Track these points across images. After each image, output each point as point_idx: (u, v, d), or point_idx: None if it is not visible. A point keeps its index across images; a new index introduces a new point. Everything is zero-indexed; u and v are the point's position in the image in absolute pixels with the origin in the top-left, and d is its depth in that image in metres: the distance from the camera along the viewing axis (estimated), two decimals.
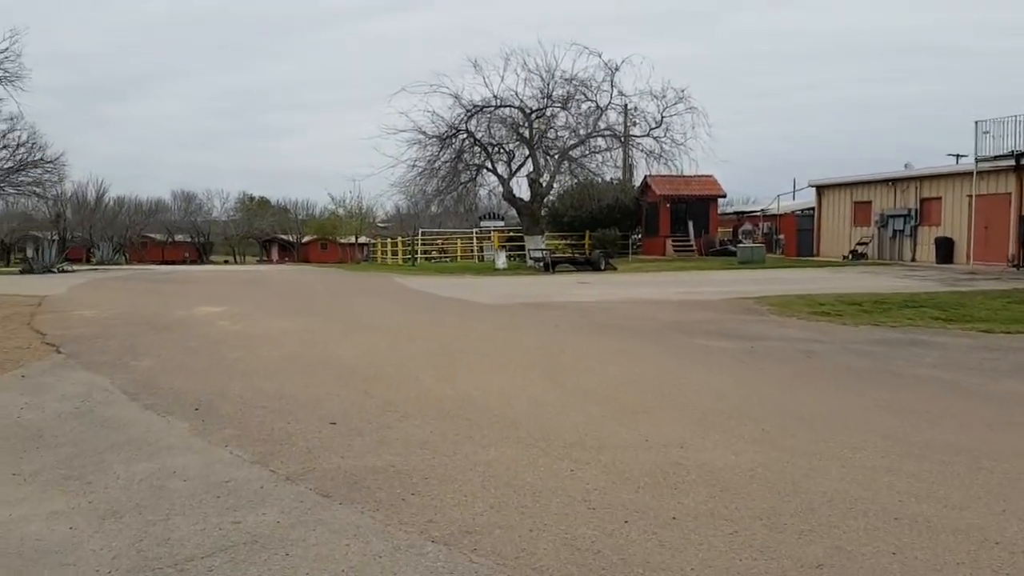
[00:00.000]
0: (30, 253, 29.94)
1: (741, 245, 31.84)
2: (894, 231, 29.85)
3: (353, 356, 8.72)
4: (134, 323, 11.40)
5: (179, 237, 74.76)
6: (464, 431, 5.55)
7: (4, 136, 28.61)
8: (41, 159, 29.92)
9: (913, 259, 28.74)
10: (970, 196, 26.11)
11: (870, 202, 31.45)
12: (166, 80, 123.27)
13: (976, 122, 22.86)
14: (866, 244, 30.75)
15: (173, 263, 62.15)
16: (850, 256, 30.61)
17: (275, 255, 73.07)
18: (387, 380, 7.32)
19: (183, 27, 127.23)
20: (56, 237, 56.63)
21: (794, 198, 44.51)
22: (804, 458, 5.08)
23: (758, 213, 41.84)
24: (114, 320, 11.76)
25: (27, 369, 7.72)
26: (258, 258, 76.05)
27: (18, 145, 29.06)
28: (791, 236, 35.70)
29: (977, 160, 23.33)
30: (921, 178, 29.32)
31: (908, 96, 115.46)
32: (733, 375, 7.86)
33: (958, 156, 37.33)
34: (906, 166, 31.80)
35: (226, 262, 69.79)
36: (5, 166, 29.15)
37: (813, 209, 35.63)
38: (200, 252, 74.18)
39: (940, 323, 11.92)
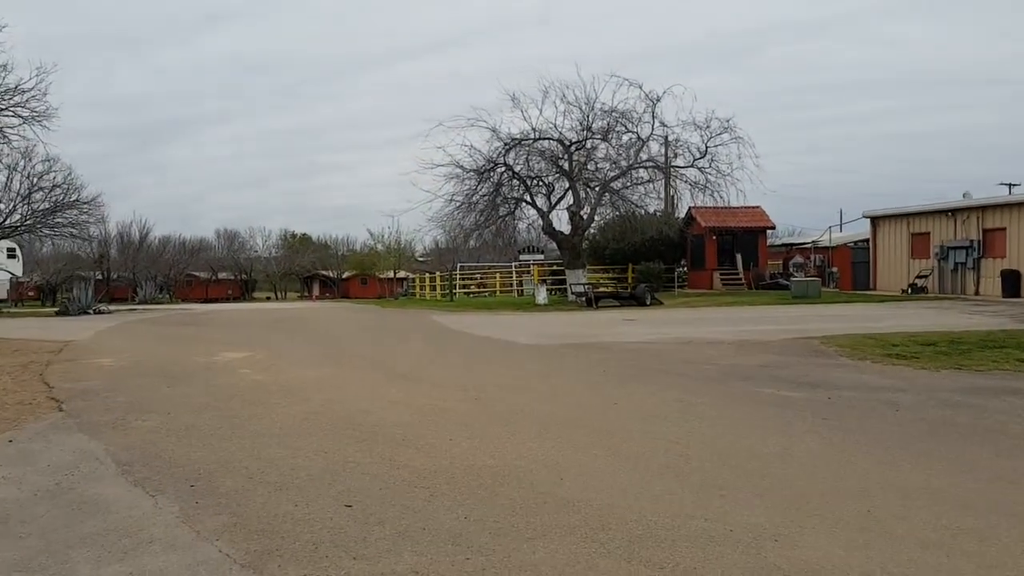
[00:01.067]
0: (76, 293, 29.76)
1: (795, 279, 30.49)
2: (955, 264, 28.34)
3: (380, 413, 7.81)
4: (149, 373, 10.65)
5: (222, 275, 75.33)
6: (506, 517, 4.59)
7: (40, 178, 28.62)
8: (77, 200, 29.88)
9: (977, 293, 27.19)
10: None
11: (928, 233, 29.99)
12: (212, 123, 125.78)
13: None
14: (926, 277, 29.27)
15: (216, 300, 62.43)
16: (909, 290, 29.14)
17: (316, 291, 73.16)
18: (416, 444, 6.39)
19: (228, 72, 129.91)
20: (99, 277, 57.25)
21: (841, 229, 43.13)
22: (927, 552, 4.05)
23: (808, 245, 40.42)
24: (129, 370, 11.04)
25: (19, 431, 6.94)
26: (299, 294, 76.23)
27: (53, 186, 29.05)
28: (845, 269, 34.26)
29: None
30: (983, 208, 27.87)
31: (957, 125, 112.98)
32: (816, 436, 6.79)
33: (1011, 185, 35.75)
34: (964, 195, 30.38)
35: (268, 299, 70.00)
36: (41, 207, 29.13)
37: (866, 241, 34.21)
38: (243, 289, 74.62)
39: None
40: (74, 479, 5.44)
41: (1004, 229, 26.73)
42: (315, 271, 75.09)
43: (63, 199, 29.37)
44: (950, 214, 28.96)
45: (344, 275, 73.67)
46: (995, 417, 7.69)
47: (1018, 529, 4.38)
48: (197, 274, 74.32)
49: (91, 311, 27.50)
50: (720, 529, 4.39)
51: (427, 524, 4.46)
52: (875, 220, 32.92)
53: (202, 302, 55.60)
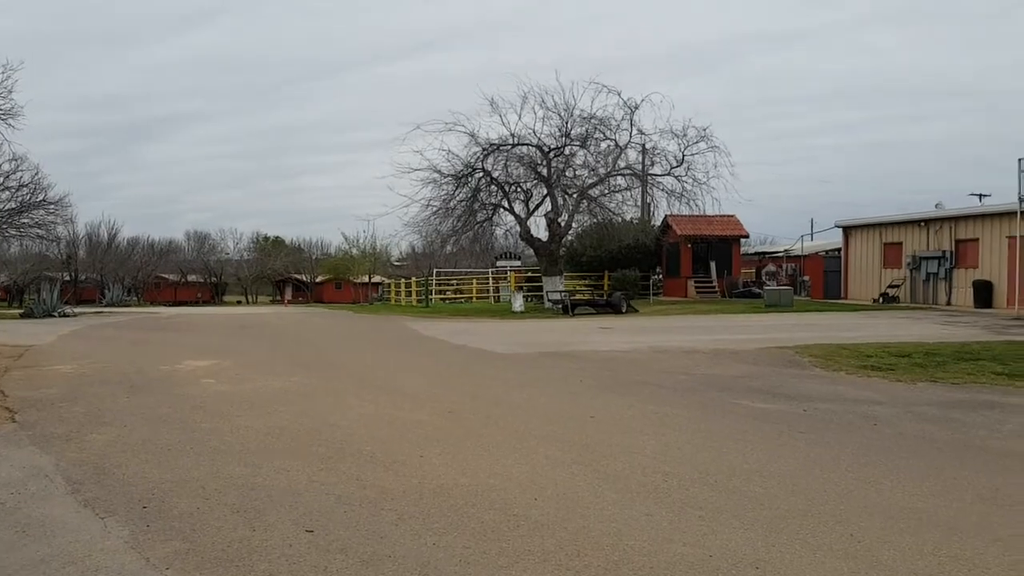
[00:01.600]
0: (44, 295, 29.10)
1: (768, 287, 30.56)
2: (927, 274, 28.56)
3: (349, 427, 7.54)
4: (109, 381, 10.28)
5: (192, 277, 74.37)
6: (476, 542, 4.37)
7: (7, 177, 27.95)
8: (43, 200, 29.21)
9: (949, 303, 27.40)
10: (1011, 237, 24.83)
11: (901, 243, 30.21)
12: (186, 123, 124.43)
13: (1020, 159, 21.61)
14: (898, 287, 29.46)
15: (186, 304, 61.58)
16: (881, 299, 29.31)
17: (289, 295, 72.36)
18: (385, 461, 6.15)
19: (205, 72, 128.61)
20: (67, 278, 56.23)
21: (812, 238, 43.31)
22: None
23: (781, 254, 40.62)
24: (89, 377, 10.66)
25: None
26: (272, 298, 75.39)
27: (20, 186, 28.38)
28: (817, 278, 34.42)
29: (1021, 200, 22.01)
30: (956, 218, 28.10)
31: (931, 136, 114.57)
32: (794, 452, 6.64)
33: (981, 195, 36.02)
34: (937, 206, 30.58)
35: (239, 303, 69.13)
36: (6, 207, 28.44)
37: (838, 250, 34.40)
38: (213, 293, 73.69)
39: (1005, 380, 10.68)
40: (20, 498, 5.14)
41: (977, 240, 26.96)
42: (288, 275, 74.30)
43: (29, 199, 28.73)
44: (923, 224, 29.18)
45: (318, 279, 72.97)
46: (974, 432, 7.60)
47: (1008, 556, 4.24)
48: (166, 276, 73.34)
49: (56, 314, 26.89)
50: (699, 554, 4.21)
51: (393, 551, 4.22)
52: (847, 229, 33.11)
53: (171, 305, 54.87)
